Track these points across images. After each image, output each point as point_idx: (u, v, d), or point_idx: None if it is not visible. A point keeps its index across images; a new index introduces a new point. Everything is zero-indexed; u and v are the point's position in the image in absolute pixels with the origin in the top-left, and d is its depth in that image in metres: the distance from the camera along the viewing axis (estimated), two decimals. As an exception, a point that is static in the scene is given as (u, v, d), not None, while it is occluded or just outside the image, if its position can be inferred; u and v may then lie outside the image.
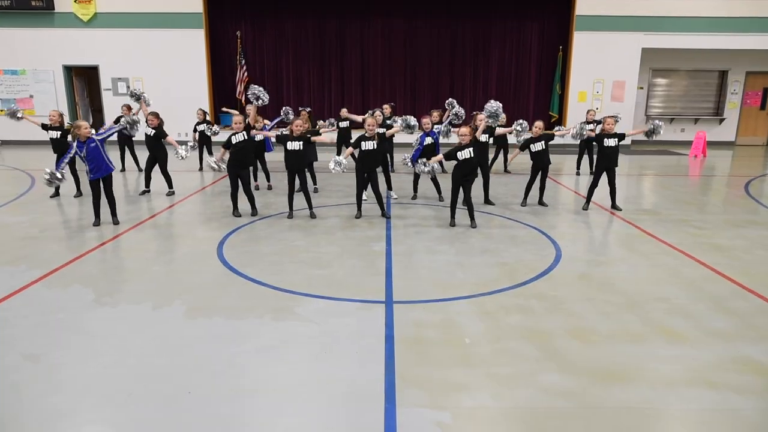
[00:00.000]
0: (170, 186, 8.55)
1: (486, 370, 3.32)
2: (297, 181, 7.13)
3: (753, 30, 14.78)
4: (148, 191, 8.55)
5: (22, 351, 3.52)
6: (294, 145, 6.84)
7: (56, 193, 8.19)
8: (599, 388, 3.13)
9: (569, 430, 2.77)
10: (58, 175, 6.23)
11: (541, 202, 7.90)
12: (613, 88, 15.32)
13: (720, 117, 16.59)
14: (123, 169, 10.70)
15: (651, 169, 11.74)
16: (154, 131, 8.17)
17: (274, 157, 9.64)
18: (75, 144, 6.34)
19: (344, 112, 10.51)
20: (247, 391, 3.08)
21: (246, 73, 15.42)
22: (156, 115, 8.18)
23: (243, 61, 15.32)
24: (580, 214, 7.54)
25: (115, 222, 6.68)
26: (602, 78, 15.27)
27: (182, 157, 7.32)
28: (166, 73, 14.91)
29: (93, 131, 6.58)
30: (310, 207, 7.11)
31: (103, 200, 6.65)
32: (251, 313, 4.11)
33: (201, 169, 10.90)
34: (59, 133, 7.93)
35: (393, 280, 4.84)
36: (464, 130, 6.59)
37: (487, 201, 7.98)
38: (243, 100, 15.28)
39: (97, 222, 6.60)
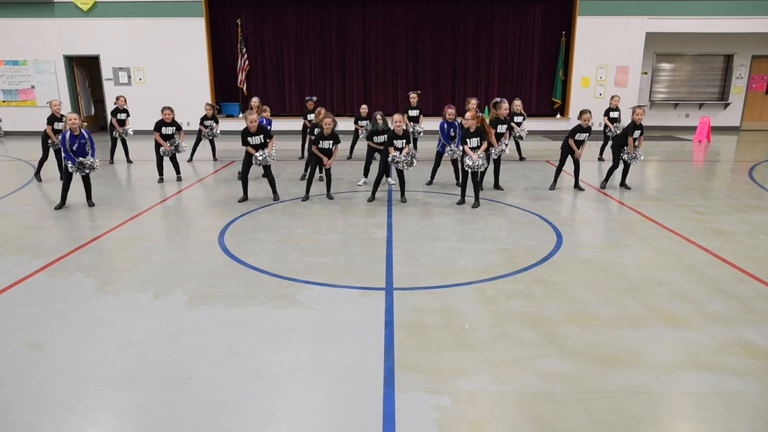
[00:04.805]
0: (177, 171, 8.98)
1: (486, 355, 3.34)
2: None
3: (759, 13, 14.58)
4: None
5: (25, 340, 3.56)
6: (325, 144, 7.35)
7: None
8: (598, 373, 3.15)
9: (568, 414, 2.79)
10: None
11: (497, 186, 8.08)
12: (616, 74, 15.19)
13: (725, 102, 16.44)
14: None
15: (655, 155, 11.67)
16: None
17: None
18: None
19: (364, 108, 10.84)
20: (248, 378, 3.11)
21: (247, 62, 15.35)
22: (171, 110, 8.82)
23: (244, 50, 15.24)
24: (581, 200, 7.51)
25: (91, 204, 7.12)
26: (606, 63, 15.13)
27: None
28: (167, 62, 14.86)
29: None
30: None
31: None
32: (252, 301, 4.14)
33: (190, 160, 10.75)
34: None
35: (394, 266, 4.85)
36: (469, 115, 6.63)
37: (497, 186, 8.01)
38: (244, 89, 15.25)
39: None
